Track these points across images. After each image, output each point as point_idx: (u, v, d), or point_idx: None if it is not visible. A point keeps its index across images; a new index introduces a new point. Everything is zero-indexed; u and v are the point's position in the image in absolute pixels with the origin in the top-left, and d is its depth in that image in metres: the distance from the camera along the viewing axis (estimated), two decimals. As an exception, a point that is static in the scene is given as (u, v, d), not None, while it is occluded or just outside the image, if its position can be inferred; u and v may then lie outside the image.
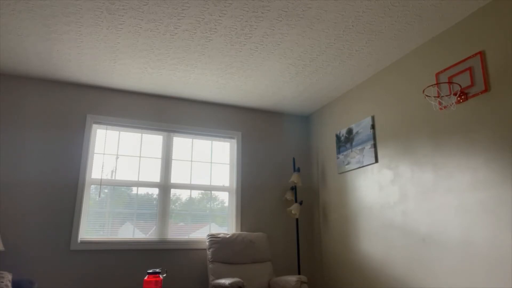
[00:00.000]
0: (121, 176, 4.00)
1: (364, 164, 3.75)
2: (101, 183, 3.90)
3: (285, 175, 4.69)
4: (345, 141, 4.09)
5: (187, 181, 4.26)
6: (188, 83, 3.99)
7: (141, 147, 4.17)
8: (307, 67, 3.63)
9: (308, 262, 4.51)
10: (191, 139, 4.42)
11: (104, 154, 4.00)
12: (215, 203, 4.32)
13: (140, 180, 4.06)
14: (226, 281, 3.22)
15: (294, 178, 4.32)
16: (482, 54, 2.65)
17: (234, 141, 4.58)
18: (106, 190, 3.91)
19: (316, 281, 4.41)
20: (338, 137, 4.23)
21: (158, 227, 4.00)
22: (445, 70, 2.94)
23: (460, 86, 2.76)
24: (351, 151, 3.97)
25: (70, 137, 3.86)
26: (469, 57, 2.74)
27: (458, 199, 2.73)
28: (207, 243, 3.83)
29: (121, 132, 4.13)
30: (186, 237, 4.09)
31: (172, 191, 4.16)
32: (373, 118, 3.72)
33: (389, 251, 3.34)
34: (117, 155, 4.05)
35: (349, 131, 4.04)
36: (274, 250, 4.38)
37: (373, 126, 3.70)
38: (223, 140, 4.57)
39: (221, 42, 3.18)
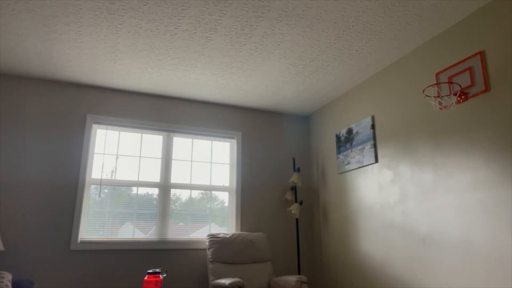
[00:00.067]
0: (121, 176, 4.00)
1: (364, 164, 3.75)
2: (101, 183, 3.90)
3: (285, 175, 4.69)
4: (345, 141, 4.09)
5: (187, 181, 4.26)
6: (188, 83, 3.99)
7: (141, 147, 4.17)
8: (307, 67, 3.63)
9: (308, 262, 4.51)
10: (191, 139, 4.42)
11: (104, 154, 4.00)
12: (215, 203, 4.32)
13: (140, 180, 4.06)
14: (226, 281, 3.22)
15: (294, 178, 4.32)
16: (482, 54, 2.65)
17: (234, 141, 4.58)
18: (106, 190, 3.91)
19: (316, 281, 4.41)
20: (338, 137, 4.23)
21: (158, 227, 4.00)
22: (445, 70, 2.94)
23: (460, 86, 2.76)
24: (351, 151, 3.97)
25: (70, 137, 3.86)
26: (469, 57, 2.74)
27: (458, 199, 2.74)
28: (207, 243, 3.83)
29: (121, 132, 4.13)
30: (186, 237, 4.09)
31: (172, 191, 4.16)
32: (373, 118, 3.72)
33: (389, 251, 3.34)
34: (117, 155, 4.05)
35: (349, 131, 4.04)
36: (274, 250, 4.38)
37: (373, 126, 3.70)
38: (223, 140, 4.57)
39: (221, 42, 3.18)
